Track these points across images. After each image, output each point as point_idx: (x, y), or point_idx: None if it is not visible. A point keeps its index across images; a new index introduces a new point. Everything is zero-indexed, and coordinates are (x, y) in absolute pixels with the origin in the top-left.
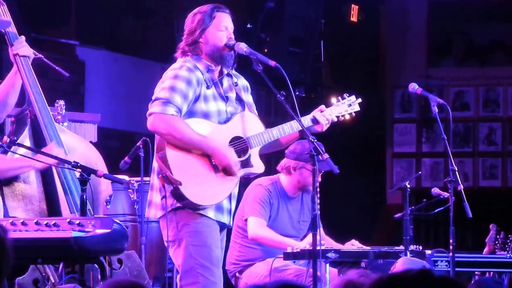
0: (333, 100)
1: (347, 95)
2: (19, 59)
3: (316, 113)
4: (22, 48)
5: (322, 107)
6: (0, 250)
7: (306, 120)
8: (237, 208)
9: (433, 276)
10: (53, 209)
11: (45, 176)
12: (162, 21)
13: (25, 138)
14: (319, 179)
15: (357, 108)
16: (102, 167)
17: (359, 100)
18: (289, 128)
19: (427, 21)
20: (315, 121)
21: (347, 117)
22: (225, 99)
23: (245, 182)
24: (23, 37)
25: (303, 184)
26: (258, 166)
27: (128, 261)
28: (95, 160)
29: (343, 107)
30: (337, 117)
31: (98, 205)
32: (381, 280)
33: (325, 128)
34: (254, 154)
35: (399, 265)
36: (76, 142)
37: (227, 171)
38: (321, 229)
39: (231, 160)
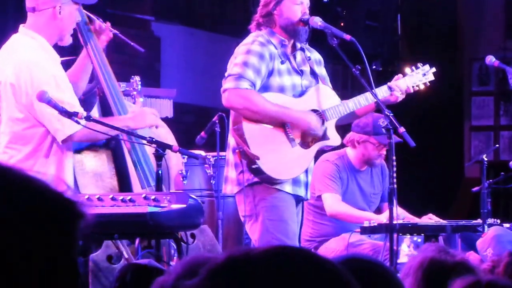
0: (407, 70)
1: (421, 64)
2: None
3: (391, 83)
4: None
5: (399, 76)
6: (70, 228)
7: (382, 91)
8: None
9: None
10: (124, 185)
11: (115, 152)
12: None
13: (95, 115)
14: (383, 152)
15: (432, 78)
16: (172, 142)
17: (433, 69)
18: (365, 100)
19: None
20: (390, 90)
21: (422, 87)
22: (300, 73)
23: (319, 156)
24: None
25: (368, 158)
26: (334, 138)
27: (201, 236)
28: (165, 135)
29: (417, 77)
30: (412, 87)
31: (169, 180)
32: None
33: (400, 99)
34: (330, 127)
35: (491, 232)
36: None
37: (310, 136)
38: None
39: (312, 123)
